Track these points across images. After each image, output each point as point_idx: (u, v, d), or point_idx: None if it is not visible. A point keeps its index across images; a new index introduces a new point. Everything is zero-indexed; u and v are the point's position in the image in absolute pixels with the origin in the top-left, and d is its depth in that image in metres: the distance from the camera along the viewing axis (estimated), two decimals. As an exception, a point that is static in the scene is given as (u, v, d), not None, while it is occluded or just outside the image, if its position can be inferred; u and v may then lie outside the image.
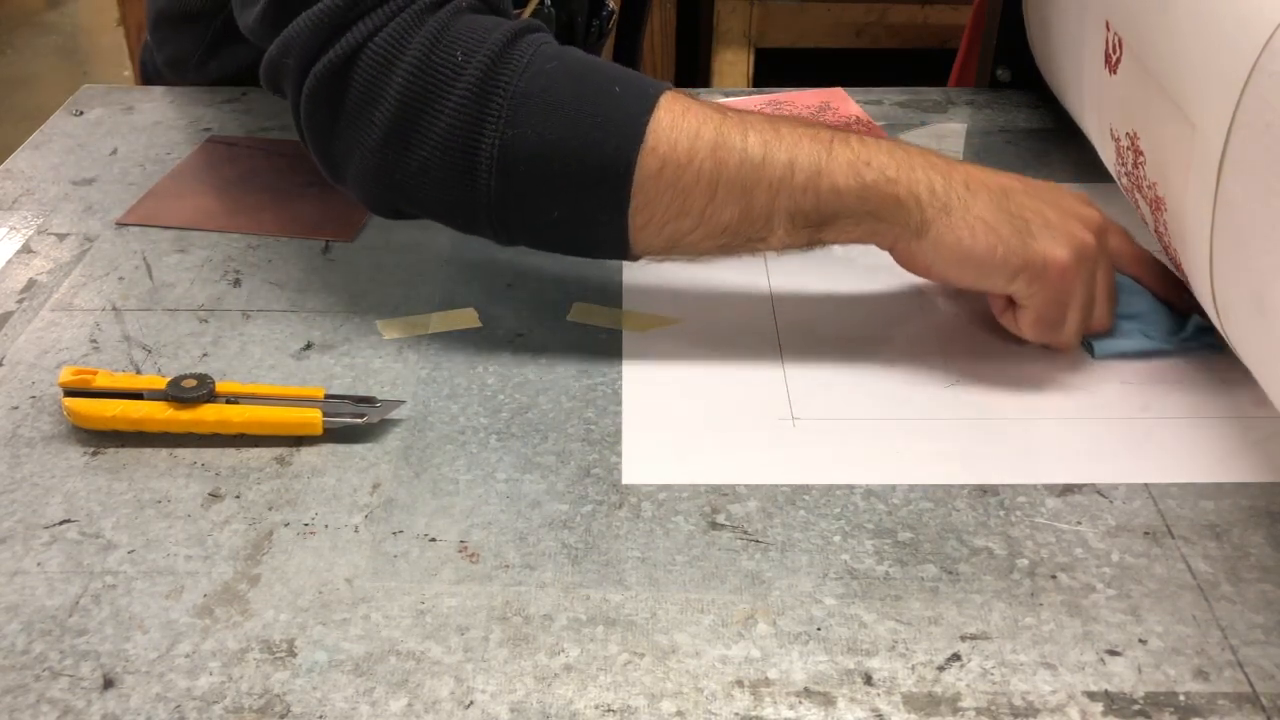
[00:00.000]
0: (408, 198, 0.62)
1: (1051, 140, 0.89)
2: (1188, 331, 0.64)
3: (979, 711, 0.45)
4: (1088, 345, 0.64)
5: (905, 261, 0.62)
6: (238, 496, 0.55)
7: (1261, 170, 0.51)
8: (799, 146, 0.59)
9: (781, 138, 0.59)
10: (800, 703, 0.45)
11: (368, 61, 0.59)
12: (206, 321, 0.67)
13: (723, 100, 0.96)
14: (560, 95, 0.58)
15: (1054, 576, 0.51)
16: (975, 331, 0.67)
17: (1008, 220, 0.59)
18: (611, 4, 1.01)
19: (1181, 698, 0.45)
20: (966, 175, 0.60)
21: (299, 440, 0.58)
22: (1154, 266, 0.67)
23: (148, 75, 1.05)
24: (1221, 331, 0.59)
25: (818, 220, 0.59)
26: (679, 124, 0.58)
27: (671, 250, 0.61)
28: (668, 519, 0.54)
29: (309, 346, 0.65)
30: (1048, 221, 0.60)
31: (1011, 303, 0.62)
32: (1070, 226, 0.60)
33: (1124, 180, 0.71)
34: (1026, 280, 0.60)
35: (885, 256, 0.75)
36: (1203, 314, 0.63)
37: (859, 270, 0.73)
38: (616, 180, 0.58)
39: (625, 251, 0.61)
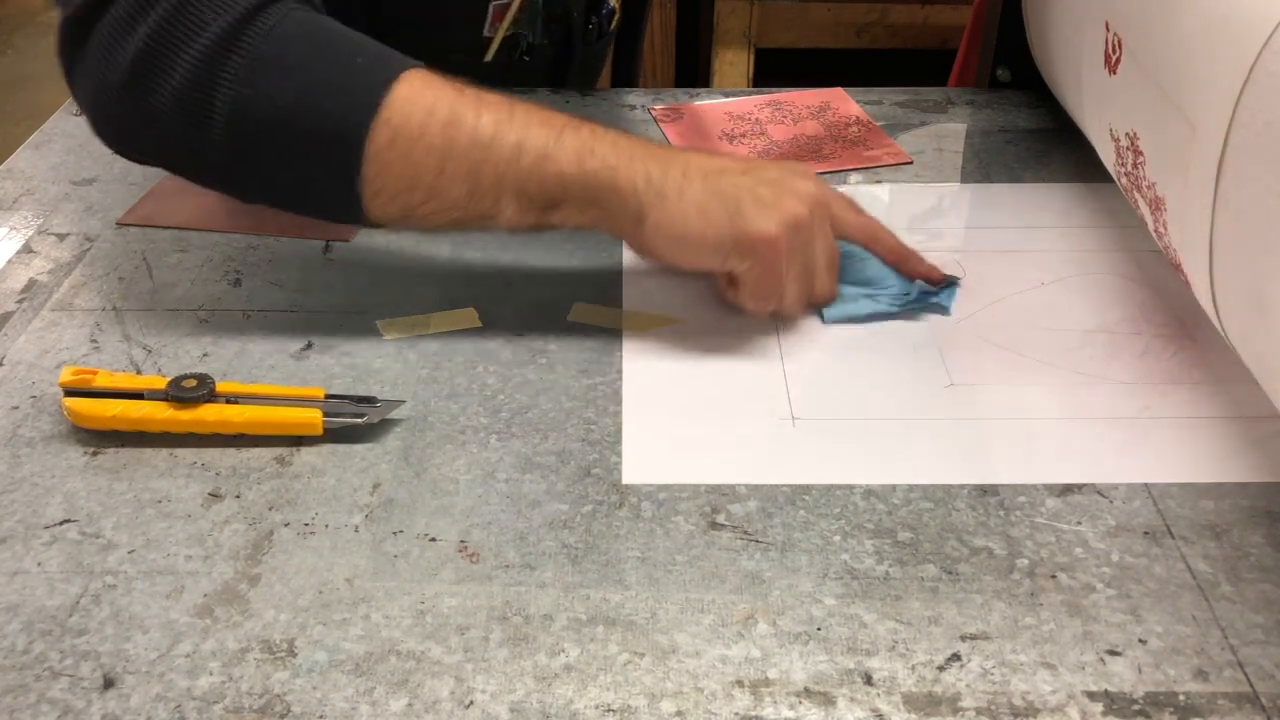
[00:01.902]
0: (143, 143, 0.63)
1: (1051, 140, 0.90)
2: (913, 294, 0.67)
3: (979, 711, 0.45)
4: (819, 314, 0.67)
5: (635, 248, 0.64)
6: (238, 496, 0.55)
7: (1261, 170, 0.51)
8: (529, 130, 0.61)
9: (514, 119, 0.61)
10: (800, 703, 0.45)
11: (121, 6, 0.59)
12: (206, 321, 0.67)
13: (723, 100, 0.96)
14: (299, 60, 0.59)
15: (1054, 576, 0.51)
16: (974, 332, 0.67)
17: (719, 201, 0.62)
18: (612, 2, 1.01)
19: (1181, 698, 0.45)
20: (685, 163, 0.63)
21: (299, 440, 0.58)
22: (879, 234, 0.69)
23: None
24: (1221, 331, 0.59)
25: (544, 203, 0.61)
26: (415, 99, 0.60)
27: (406, 220, 0.63)
28: (668, 519, 0.54)
29: (309, 346, 0.65)
30: (759, 199, 0.62)
31: (734, 280, 0.65)
32: (783, 201, 0.62)
33: (1124, 180, 0.71)
34: (739, 256, 0.62)
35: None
36: (929, 277, 0.68)
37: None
38: (347, 149, 0.59)
39: (359, 217, 0.62)
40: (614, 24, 1.03)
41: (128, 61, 0.59)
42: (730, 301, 0.66)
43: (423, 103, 0.60)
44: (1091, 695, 0.46)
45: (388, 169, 0.60)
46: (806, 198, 0.63)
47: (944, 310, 0.68)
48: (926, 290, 0.68)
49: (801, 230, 0.63)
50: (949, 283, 0.69)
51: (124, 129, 0.63)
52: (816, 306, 0.67)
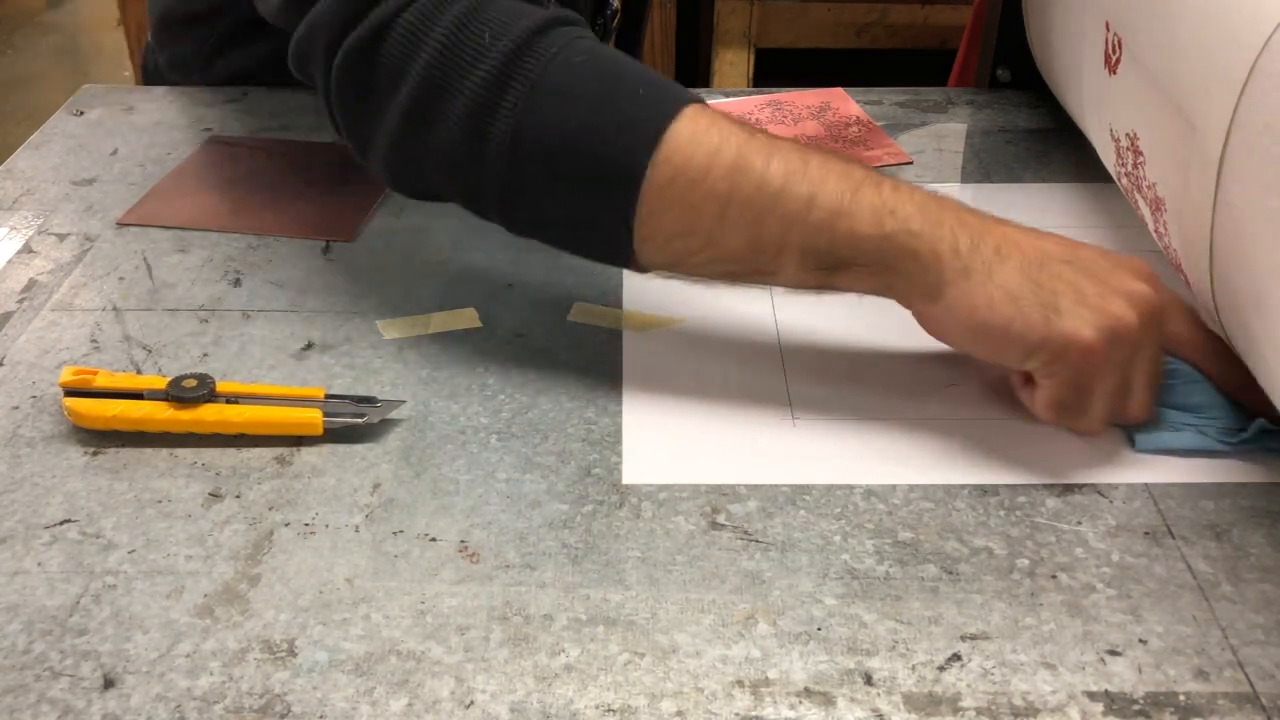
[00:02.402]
0: (425, 178, 0.61)
1: (1051, 140, 0.89)
2: (1249, 433, 0.57)
3: (979, 711, 0.45)
4: (1130, 436, 0.58)
5: (923, 323, 0.58)
6: (238, 496, 0.55)
7: (1261, 170, 0.51)
8: (824, 182, 0.55)
9: (808, 170, 0.56)
10: (800, 703, 0.45)
11: (396, 38, 0.58)
12: (207, 321, 0.67)
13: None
14: (582, 90, 0.57)
15: (1054, 576, 0.51)
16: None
17: (1033, 291, 0.54)
18: (615, 3, 1.01)
19: (1181, 698, 0.45)
20: (1001, 238, 0.56)
21: (299, 440, 0.58)
22: (1220, 356, 0.59)
23: (149, 77, 1.05)
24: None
25: (831, 263, 0.56)
26: (700, 137, 0.56)
27: (675, 268, 0.59)
28: (668, 519, 0.54)
29: (309, 346, 0.65)
30: (1082, 296, 0.54)
31: (1031, 379, 0.57)
32: (1109, 304, 0.54)
33: (1124, 181, 0.71)
34: (1045, 359, 0.54)
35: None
36: (1272, 414, 0.57)
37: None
38: (625, 184, 0.56)
39: (629, 260, 0.59)
40: (616, 23, 1.03)
41: (409, 94, 0.57)
42: (1024, 403, 0.58)
43: (707, 142, 0.55)
44: (1092, 695, 0.46)
45: (664, 211, 0.56)
46: (1139, 302, 0.55)
47: (1275, 451, 0.57)
48: (1267, 429, 0.57)
49: (1126, 340, 0.54)
50: None
51: (410, 167, 0.60)
52: (1130, 429, 0.58)
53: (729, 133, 0.56)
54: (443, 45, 0.57)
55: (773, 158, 0.56)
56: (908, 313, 0.58)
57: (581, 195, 0.57)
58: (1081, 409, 0.56)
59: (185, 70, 0.98)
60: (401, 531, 0.53)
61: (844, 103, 0.96)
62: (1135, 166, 0.67)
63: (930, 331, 0.58)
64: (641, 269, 0.60)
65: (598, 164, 0.56)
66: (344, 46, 0.59)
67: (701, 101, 0.58)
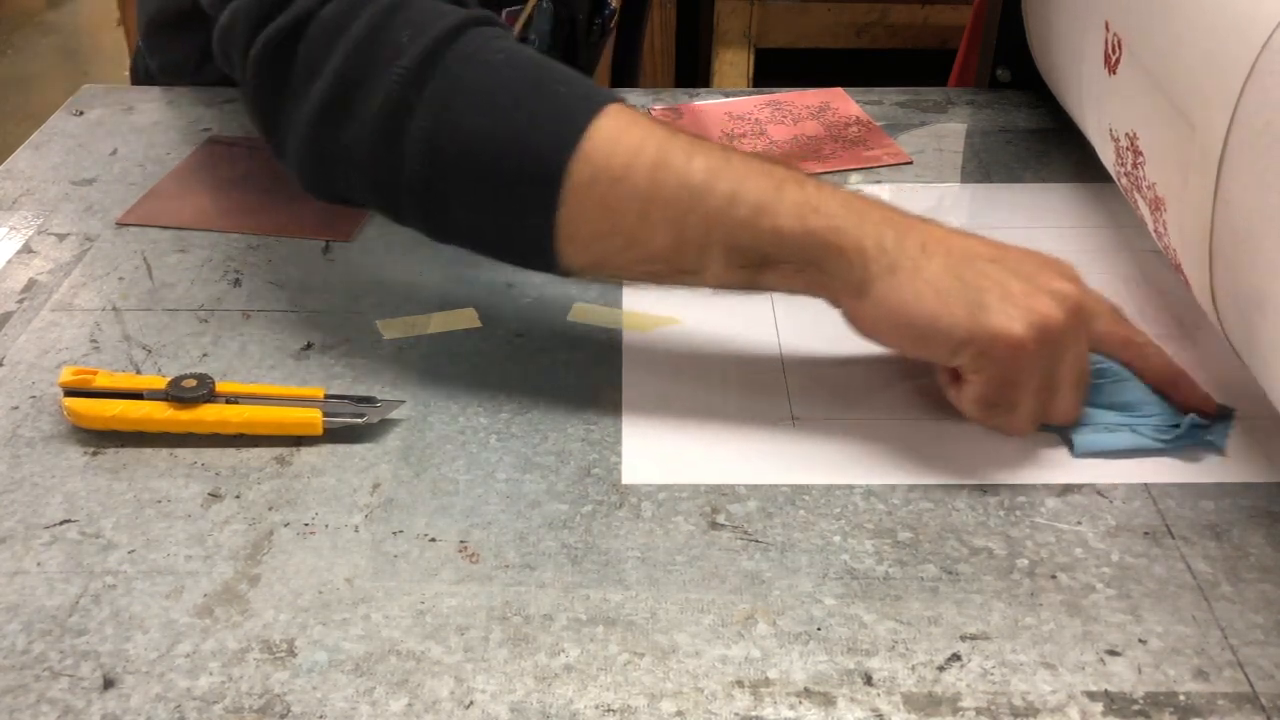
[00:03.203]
0: (338, 179, 0.59)
1: (1051, 140, 0.89)
2: (1183, 428, 0.57)
3: (979, 711, 0.45)
4: (1067, 440, 0.58)
5: (851, 321, 0.57)
6: (238, 496, 0.55)
7: (1261, 170, 0.51)
8: (746, 179, 0.54)
9: (730, 167, 0.55)
10: (800, 703, 0.45)
11: (315, 32, 0.57)
12: (206, 321, 0.67)
13: (723, 100, 0.96)
14: (501, 89, 0.56)
15: (1054, 576, 0.51)
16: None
17: (960, 288, 0.54)
18: (613, 3, 1.01)
19: (1181, 698, 0.45)
20: (925, 235, 0.55)
21: (299, 440, 0.58)
22: (1146, 353, 0.59)
23: (139, 81, 1.05)
24: (1221, 332, 0.59)
25: (756, 260, 0.55)
26: (621, 136, 0.55)
27: (599, 270, 0.58)
28: (668, 519, 0.54)
29: (309, 346, 0.65)
30: (1008, 293, 0.54)
31: (959, 376, 0.57)
32: (1036, 301, 0.54)
33: (1123, 180, 0.71)
34: (971, 355, 0.54)
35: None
36: (1202, 408, 0.58)
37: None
38: (546, 184, 0.54)
39: (552, 263, 0.57)
40: (613, 23, 1.03)
41: (323, 91, 0.56)
42: (951, 401, 0.58)
43: (628, 141, 0.55)
44: (1091, 695, 0.46)
45: (586, 211, 0.55)
46: (1064, 300, 0.54)
47: (1219, 450, 0.57)
48: (1198, 424, 0.57)
49: (1052, 337, 0.54)
50: (1222, 414, 0.58)
51: (323, 167, 0.59)
52: (1059, 429, 0.58)
53: (650, 131, 0.56)
54: (360, 41, 0.56)
55: (694, 156, 0.55)
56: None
57: (501, 196, 0.56)
58: (1009, 407, 0.56)
59: (176, 75, 0.98)
60: (401, 531, 0.53)
61: (844, 103, 0.96)
62: (1135, 166, 0.67)
63: (858, 329, 0.57)
64: (564, 272, 0.58)
65: (517, 164, 0.55)
66: (262, 37, 0.58)
67: (622, 101, 0.57)
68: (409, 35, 0.56)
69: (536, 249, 0.57)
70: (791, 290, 0.57)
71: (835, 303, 0.57)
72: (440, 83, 0.55)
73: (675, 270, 0.57)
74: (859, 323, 0.57)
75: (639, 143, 0.55)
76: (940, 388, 0.59)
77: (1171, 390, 0.59)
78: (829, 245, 0.54)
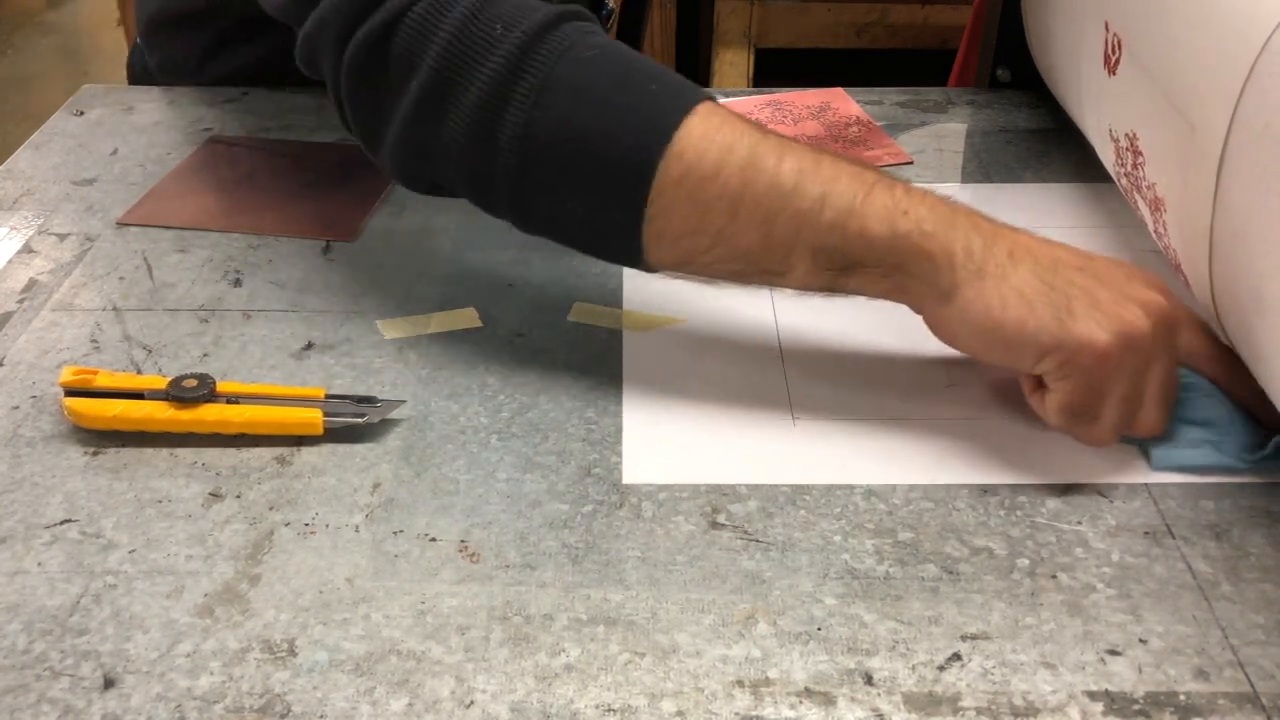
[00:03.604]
0: (434, 172, 0.60)
1: (1051, 140, 0.89)
2: (1269, 449, 0.56)
3: (979, 711, 0.45)
4: (1145, 452, 0.57)
5: (934, 327, 0.57)
6: (238, 496, 0.55)
7: (1260, 170, 0.51)
8: (836, 182, 0.55)
9: (820, 170, 0.55)
10: (800, 703, 0.45)
11: (407, 31, 0.57)
12: (207, 321, 0.67)
13: (723, 101, 0.96)
14: (593, 84, 0.56)
15: (1054, 576, 0.51)
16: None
17: (1047, 294, 0.54)
18: (611, 3, 1.01)
19: (1182, 698, 0.45)
20: (1014, 242, 0.56)
21: (299, 440, 0.58)
22: (1235, 369, 0.58)
23: (136, 79, 1.05)
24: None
25: (842, 263, 0.56)
26: (712, 135, 0.55)
27: (685, 267, 0.59)
28: (668, 519, 0.54)
29: (309, 346, 0.65)
30: (1096, 301, 0.54)
31: (1042, 384, 0.56)
32: (1124, 310, 0.53)
33: (1123, 181, 0.71)
34: (1056, 362, 0.54)
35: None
36: None
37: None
38: (636, 179, 0.55)
39: (639, 259, 0.58)
40: (610, 24, 1.03)
41: (419, 86, 0.57)
42: (1034, 409, 0.57)
43: (720, 139, 0.55)
44: (1092, 695, 0.46)
45: (675, 208, 0.55)
46: (1153, 311, 0.54)
47: None
48: None
49: (1139, 347, 0.53)
50: None
51: (419, 160, 0.60)
52: (1141, 441, 0.57)
53: (742, 131, 0.56)
54: (453, 37, 0.57)
55: (785, 157, 0.55)
56: (908, 313, 0.58)
57: (592, 191, 0.57)
58: (1093, 416, 0.55)
59: (176, 73, 0.98)
60: (401, 531, 0.53)
61: (844, 103, 0.96)
62: (1135, 167, 0.67)
63: (940, 335, 0.57)
64: (650, 268, 0.59)
65: (609, 159, 0.56)
66: (354, 40, 0.59)
67: (713, 99, 0.58)
68: (501, 28, 0.56)
69: (624, 244, 0.58)
70: (874, 294, 0.57)
71: (919, 308, 0.57)
72: (534, 77, 0.56)
73: (760, 270, 0.57)
74: (942, 328, 0.57)
75: (730, 142, 0.55)
76: (1026, 395, 0.58)
77: (1257, 409, 0.57)
78: (917, 250, 0.54)
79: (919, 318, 0.58)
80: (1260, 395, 0.56)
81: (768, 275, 0.58)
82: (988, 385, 0.62)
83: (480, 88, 0.56)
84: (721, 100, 0.96)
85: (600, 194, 0.57)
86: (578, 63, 0.56)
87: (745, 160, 0.55)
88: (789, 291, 0.59)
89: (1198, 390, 0.57)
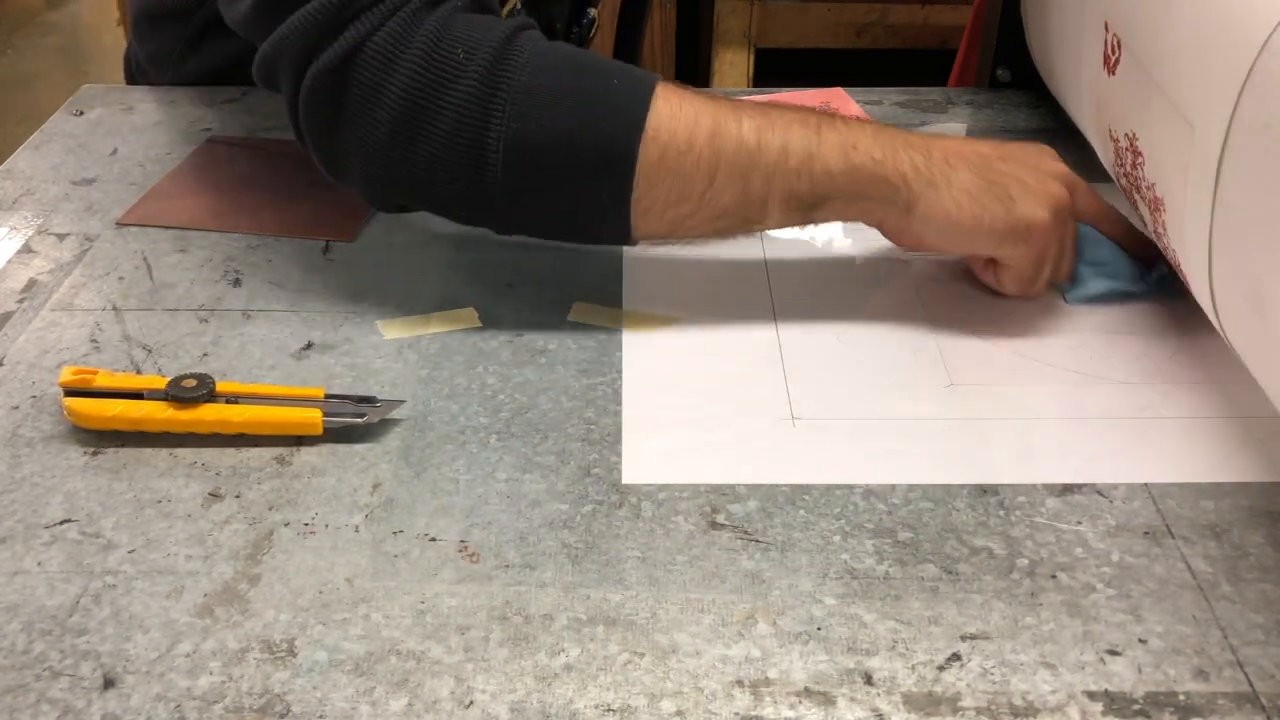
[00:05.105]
0: (414, 194, 0.63)
1: (1051, 140, 0.89)
2: (1152, 277, 0.68)
3: (979, 711, 0.45)
4: (1061, 293, 0.69)
5: (894, 236, 0.65)
6: (238, 496, 0.55)
7: (1260, 170, 0.51)
8: (790, 131, 0.61)
9: (773, 124, 0.61)
10: (800, 702, 0.45)
11: (368, 60, 0.59)
12: (207, 321, 0.67)
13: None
14: (562, 88, 0.60)
15: (1054, 576, 0.51)
16: (976, 332, 0.67)
17: (989, 188, 0.63)
18: (593, 12, 1.01)
19: (1181, 698, 0.45)
20: (945, 149, 0.63)
21: (299, 440, 0.58)
22: (1119, 220, 0.70)
23: (130, 72, 1.05)
24: (1221, 331, 0.59)
25: (811, 201, 0.62)
26: (677, 113, 0.60)
27: (671, 235, 0.64)
28: (668, 519, 0.54)
29: (309, 346, 0.65)
30: (1026, 185, 0.63)
31: (992, 261, 0.66)
32: (1047, 186, 0.64)
33: (1123, 181, 0.71)
34: (1012, 243, 0.63)
35: (886, 258, 0.74)
36: (1166, 264, 0.67)
37: (860, 271, 0.73)
38: (620, 168, 0.60)
39: (626, 237, 0.63)
40: (593, 34, 1.03)
41: (389, 117, 0.59)
42: (989, 283, 0.68)
43: (685, 115, 0.60)
44: (1091, 695, 0.46)
45: (658, 184, 0.60)
46: (1066, 181, 0.65)
47: (1181, 296, 0.66)
48: (1165, 275, 0.68)
49: (1064, 214, 0.65)
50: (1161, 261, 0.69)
51: (393, 185, 0.63)
52: (1058, 285, 0.69)
53: (699, 103, 0.61)
54: (419, 66, 0.59)
55: (742, 118, 0.61)
56: (909, 313, 0.62)
57: (580, 186, 0.61)
58: (1036, 278, 0.66)
59: (160, 66, 0.98)
60: (401, 531, 0.53)
61: (844, 103, 0.96)
62: (1134, 167, 0.67)
63: (903, 243, 0.65)
64: (636, 242, 0.64)
65: (593, 154, 0.60)
66: (313, 69, 0.60)
67: (660, 78, 0.62)
68: (464, 53, 0.59)
69: (614, 226, 0.62)
70: (841, 219, 0.64)
71: (880, 224, 0.64)
72: (507, 92, 0.59)
73: (740, 222, 0.63)
74: (906, 236, 0.65)
75: (694, 115, 0.61)
76: (978, 274, 0.68)
77: (1135, 248, 0.70)
78: (874, 176, 0.62)
79: (917, 317, 0.61)
80: (1134, 236, 0.70)
81: (747, 224, 0.64)
82: (986, 385, 0.62)
83: (456, 112, 0.59)
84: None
85: (588, 187, 0.61)
86: (541, 70, 0.60)
87: (711, 129, 0.61)
88: (784, 291, 0.64)
89: (1090, 238, 0.69)
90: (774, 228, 0.64)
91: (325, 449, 0.58)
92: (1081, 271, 0.68)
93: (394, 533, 0.53)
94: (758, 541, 0.53)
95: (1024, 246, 0.64)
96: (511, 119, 0.59)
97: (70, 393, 0.58)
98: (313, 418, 0.58)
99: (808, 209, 0.62)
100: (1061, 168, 0.66)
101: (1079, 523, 0.54)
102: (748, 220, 0.63)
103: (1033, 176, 0.64)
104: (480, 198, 0.61)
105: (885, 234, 0.65)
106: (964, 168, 0.63)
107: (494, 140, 0.59)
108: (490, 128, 0.59)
